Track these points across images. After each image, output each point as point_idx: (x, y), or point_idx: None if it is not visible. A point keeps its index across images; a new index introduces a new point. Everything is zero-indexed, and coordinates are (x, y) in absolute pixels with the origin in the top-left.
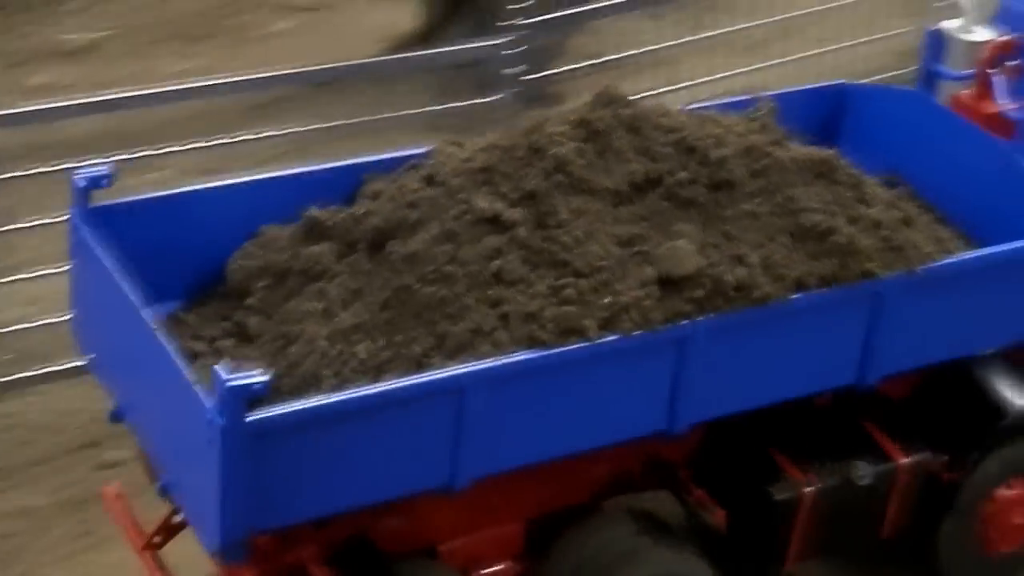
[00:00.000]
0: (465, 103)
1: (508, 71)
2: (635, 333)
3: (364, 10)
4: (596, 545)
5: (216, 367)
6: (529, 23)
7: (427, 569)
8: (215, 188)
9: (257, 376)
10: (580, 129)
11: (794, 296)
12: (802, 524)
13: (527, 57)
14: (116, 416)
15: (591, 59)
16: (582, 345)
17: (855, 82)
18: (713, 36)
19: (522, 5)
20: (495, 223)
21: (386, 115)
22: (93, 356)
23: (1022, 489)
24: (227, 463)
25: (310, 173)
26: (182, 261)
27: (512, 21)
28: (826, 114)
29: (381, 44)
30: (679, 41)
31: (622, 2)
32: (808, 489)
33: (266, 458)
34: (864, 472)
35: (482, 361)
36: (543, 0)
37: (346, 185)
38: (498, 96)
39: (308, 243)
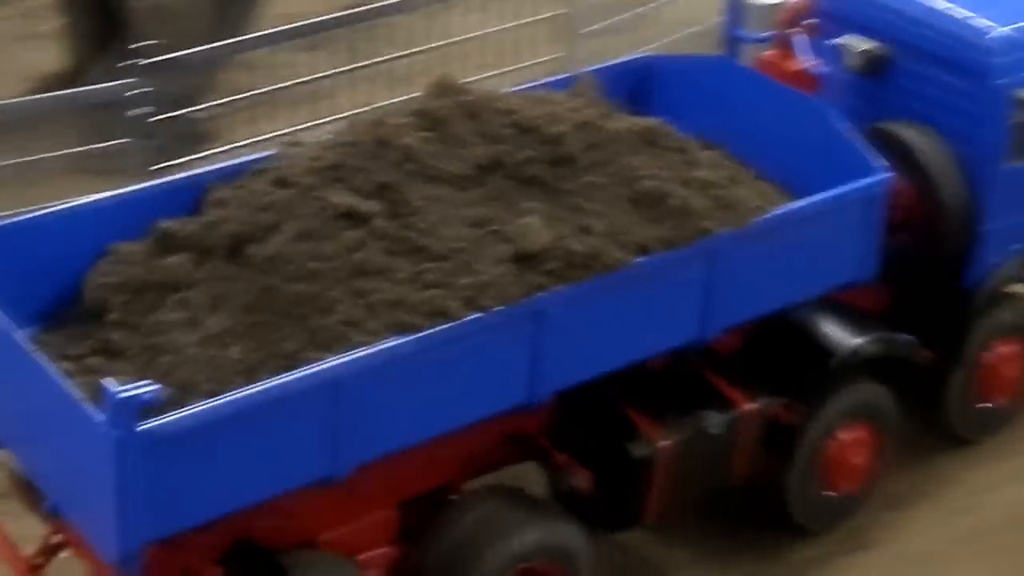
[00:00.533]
0: (100, 145)
1: (136, 112)
2: (497, 309)
3: (14, 51)
4: (467, 525)
5: (104, 381)
6: (155, 62)
7: (311, 557)
8: (57, 212)
9: (147, 387)
10: (422, 119)
11: (639, 260)
12: (661, 476)
13: (160, 97)
14: None
15: (242, 93)
16: (450, 326)
17: (660, 55)
18: (371, 65)
19: (158, 43)
20: (352, 217)
21: (27, 159)
22: None
23: (860, 431)
24: (123, 474)
25: (153, 188)
26: (33, 286)
27: (135, 61)
28: (636, 88)
29: (27, 84)
30: (336, 71)
31: (274, 33)
32: (664, 443)
33: (160, 466)
34: (714, 421)
35: (356, 351)
36: (183, 37)
37: (190, 197)
38: (127, 140)
39: (163, 255)
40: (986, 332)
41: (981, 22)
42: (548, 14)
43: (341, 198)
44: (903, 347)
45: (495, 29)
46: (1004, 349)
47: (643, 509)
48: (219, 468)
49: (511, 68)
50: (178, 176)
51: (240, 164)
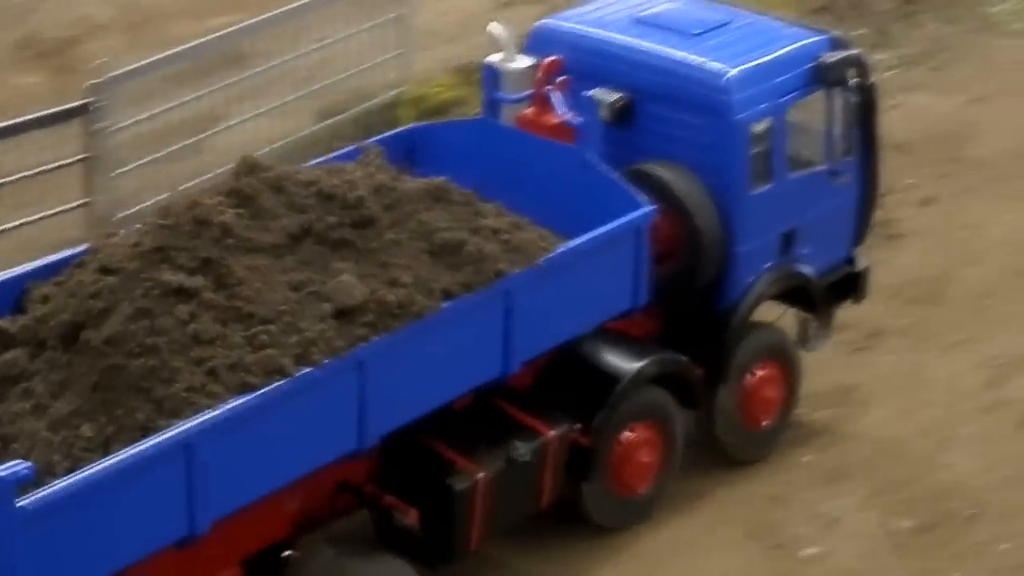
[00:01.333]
0: None
1: None
2: (325, 363)
3: None
4: None
5: None
6: None
7: None
8: None
9: (17, 466)
10: (233, 197)
11: (446, 304)
12: (480, 507)
13: None
14: None
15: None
16: (285, 381)
17: (423, 123)
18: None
19: None
20: (181, 293)
21: None
22: None
23: (643, 432)
24: (7, 548)
25: None
26: None
27: None
28: (407, 153)
29: None
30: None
31: None
32: (480, 475)
33: (38, 538)
34: (522, 450)
35: (202, 414)
36: None
37: (8, 298)
38: None
39: (4, 348)
40: (745, 357)
41: (715, 65)
42: (72, 159)
43: (169, 276)
44: (677, 367)
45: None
46: (763, 372)
47: (467, 540)
48: (91, 535)
49: (33, 217)
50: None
51: (57, 260)
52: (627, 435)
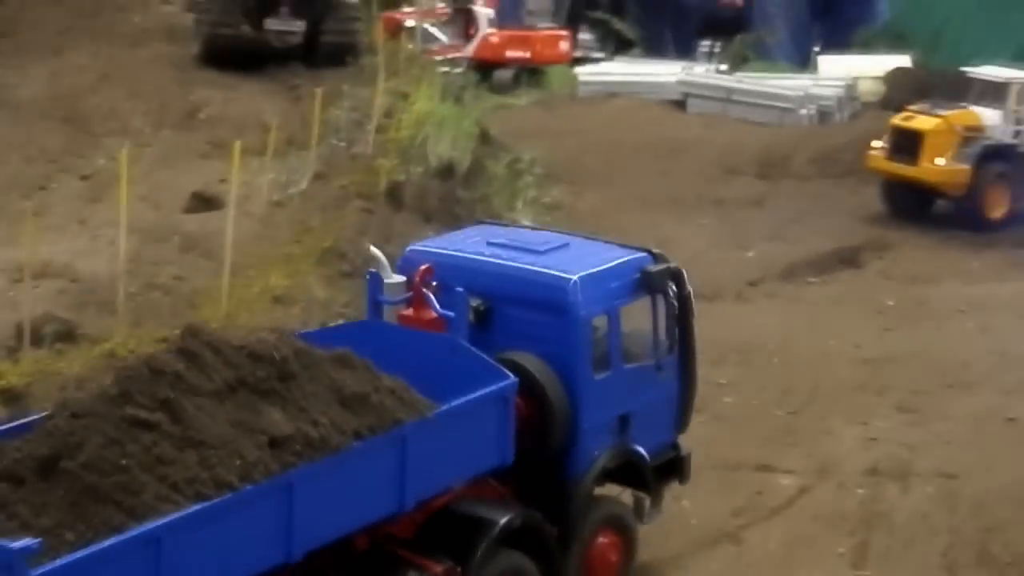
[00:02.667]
0: None
1: None
2: (263, 481)
3: None
4: None
5: None
6: None
7: None
8: None
9: (31, 541)
10: (181, 355)
11: (356, 443)
12: None
13: None
14: None
15: None
16: (231, 495)
17: (315, 330)
18: None
19: None
20: (144, 425)
21: None
22: None
23: None
24: None
25: None
26: None
27: None
28: None
29: None
30: None
31: None
32: None
33: None
34: None
35: (167, 516)
36: None
37: None
38: None
39: None
40: (591, 524)
41: (561, 273)
42: None
43: (134, 412)
44: (538, 521)
45: None
46: (605, 540)
47: None
48: None
49: None
50: None
51: (26, 421)
52: None
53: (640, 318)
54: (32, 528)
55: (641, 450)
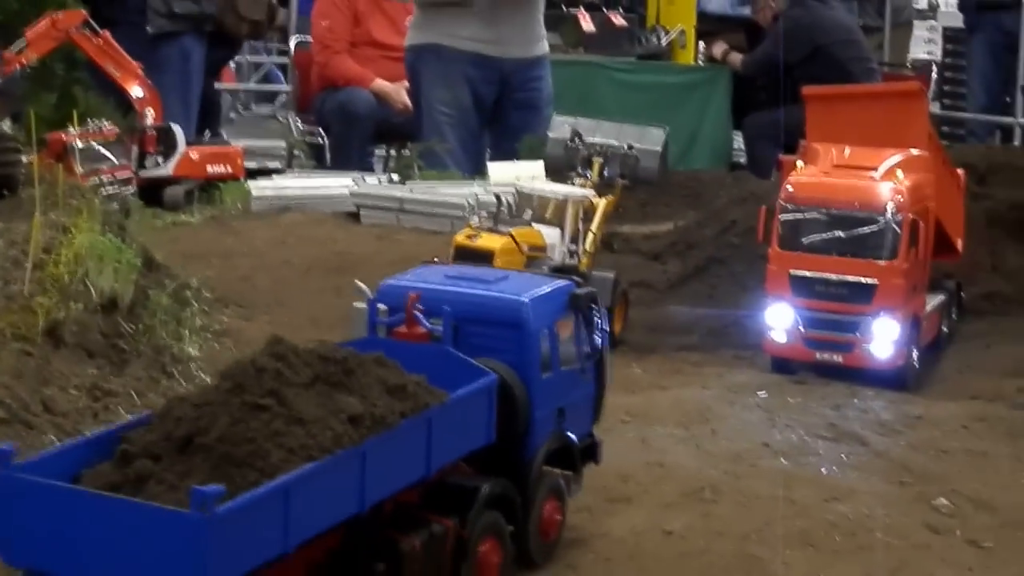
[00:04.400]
0: None
1: None
2: (350, 448)
3: None
4: None
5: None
6: None
7: None
8: None
9: (216, 486)
10: (273, 357)
11: (403, 422)
12: (413, 568)
13: None
14: None
15: None
16: (332, 456)
17: None
18: None
19: None
20: (260, 408)
21: None
22: None
23: (490, 540)
24: (207, 547)
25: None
26: None
27: None
28: None
29: None
30: None
31: None
32: (417, 542)
33: (222, 538)
34: (436, 529)
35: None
36: None
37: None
38: None
39: (127, 464)
40: (541, 493)
41: (513, 296)
42: None
43: (251, 399)
44: (509, 490)
45: None
46: (550, 504)
47: None
48: (237, 541)
49: None
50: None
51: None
52: (484, 537)
53: (567, 332)
54: (181, 490)
55: (573, 436)
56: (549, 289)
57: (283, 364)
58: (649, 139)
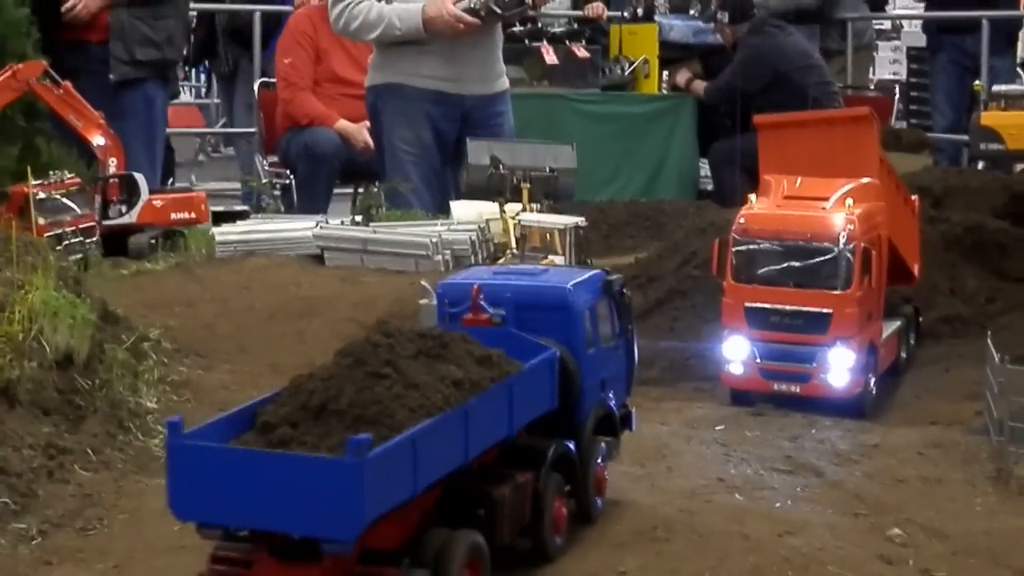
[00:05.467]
0: None
1: None
2: (458, 407)
3: None
4: None
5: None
6: None
7: None
8: None
9: (364, 435)
10: (384, 335)
11: (493, 385)
12: (506, 514)
13: None
14: None
15: None
16: (445, 413)
17: None
18: None
19: None
20: (382, 376)
21: None
22: None
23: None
24: (363, 486)
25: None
26: None
27: None
28: None
29: None
30: None
31: None
32: (506, 491)
33: (373, 477)
34: (519, 479)
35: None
36: None
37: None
38: None
39: (268, 433)
40: (591, 456)
41: (558, 284)
42: None
43: (373, 369)
44: (569, 451)
45: None
46: (599, 463)
47: (501, 536)
48: (387, 481)
49: None
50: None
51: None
52: (554, 492)
53: (603, 313)
54: (322, 448)
55: (613, 405)
56: (586, 277)
57: (392, 340)
58: (564, 157)
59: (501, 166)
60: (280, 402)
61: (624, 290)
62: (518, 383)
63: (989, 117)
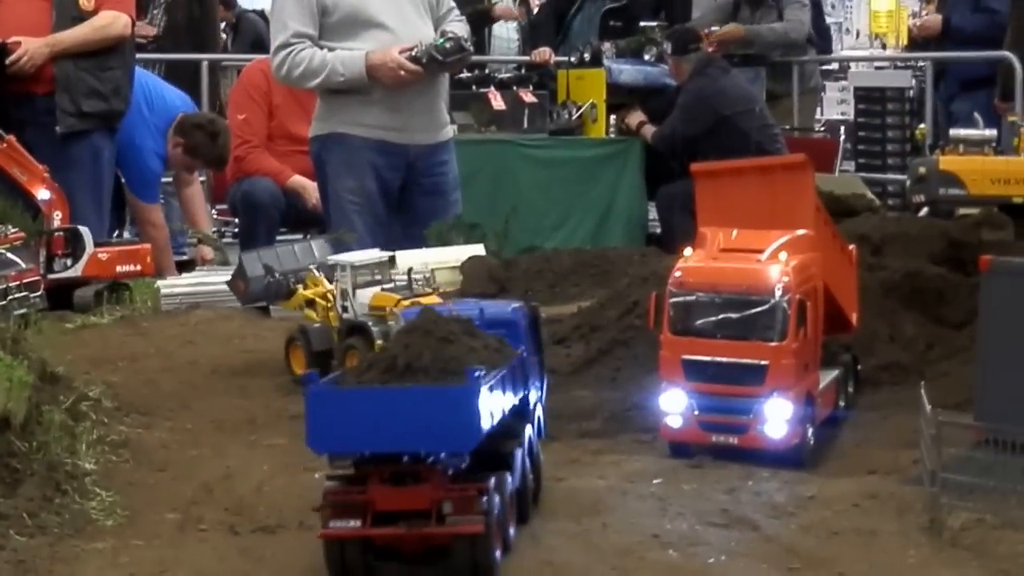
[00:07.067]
0: None
1: None
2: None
3: None
4: None
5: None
6: None
7: None
8: None
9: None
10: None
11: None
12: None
13: None
14: None
15: None
16: (496, 370)
17: None
18: None
19: None
20: (447, 340)
21: None
22: None
23: None
24: (477, 408)
25: None
26: None
27: None
28: None
29: None
30: None
31: None
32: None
33: (481, 402)
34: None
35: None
36: None
37: None
38: None
39: (364, 375)
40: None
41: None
42: None
43: (440, 335)
44: None
45: None
46: None
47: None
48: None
49: None
50: None
51: None
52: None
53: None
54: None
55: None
56: (516, 304)
57: (440, 319)
58: (323, 252)
59: (276, 273)
60: (369, 367)
61: (537, 316)
62: (520, 360)
63: (949, 162)
